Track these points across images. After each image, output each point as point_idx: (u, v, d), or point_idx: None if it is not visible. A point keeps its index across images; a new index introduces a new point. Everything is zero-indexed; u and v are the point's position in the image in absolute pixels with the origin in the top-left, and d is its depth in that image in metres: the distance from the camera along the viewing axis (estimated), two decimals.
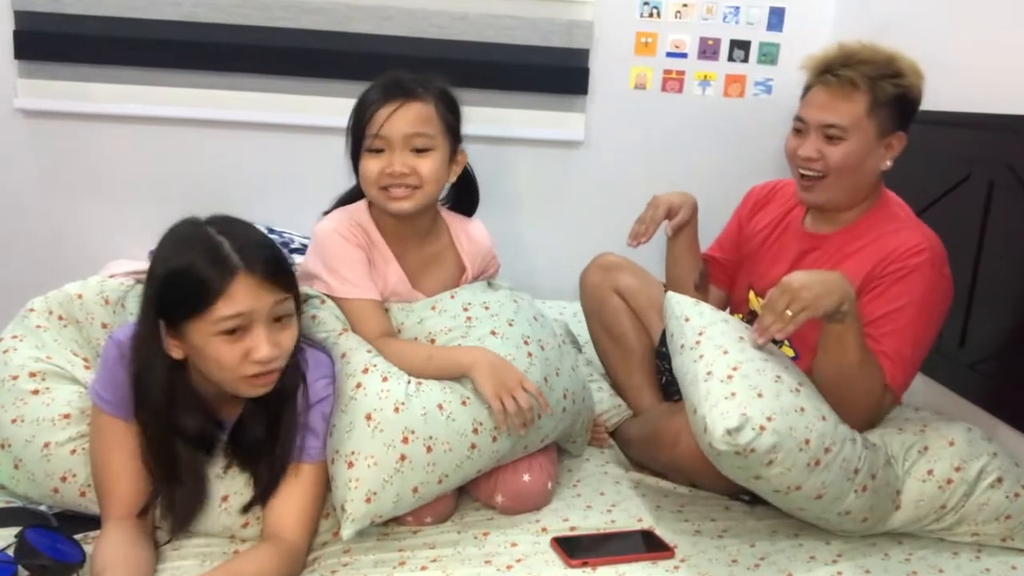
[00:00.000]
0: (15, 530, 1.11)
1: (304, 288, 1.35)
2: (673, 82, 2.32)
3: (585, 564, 1.18)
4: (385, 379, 1.24)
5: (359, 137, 1.36)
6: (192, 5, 2.12)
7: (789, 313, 1.18)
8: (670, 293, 1.39)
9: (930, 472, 1.29)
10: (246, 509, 1.18)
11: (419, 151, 1.33)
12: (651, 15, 2.27)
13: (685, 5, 2.27)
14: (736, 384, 1.19)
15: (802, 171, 1.42)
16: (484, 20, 2.21)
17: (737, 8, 2.28)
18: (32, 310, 1.41)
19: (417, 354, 1.30)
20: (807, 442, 1.17)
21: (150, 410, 1.12)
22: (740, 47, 2.31)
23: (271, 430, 1.16)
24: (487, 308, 1.37)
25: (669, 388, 1.62)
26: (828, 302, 1.18)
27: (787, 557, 1.24)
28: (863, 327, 1.28)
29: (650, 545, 1.24)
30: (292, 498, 1.16)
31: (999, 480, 1.30)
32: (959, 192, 1.68)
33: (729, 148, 2.35)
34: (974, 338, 1.63)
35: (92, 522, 1.19)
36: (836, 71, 1.36)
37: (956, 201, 1.69)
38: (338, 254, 1.35)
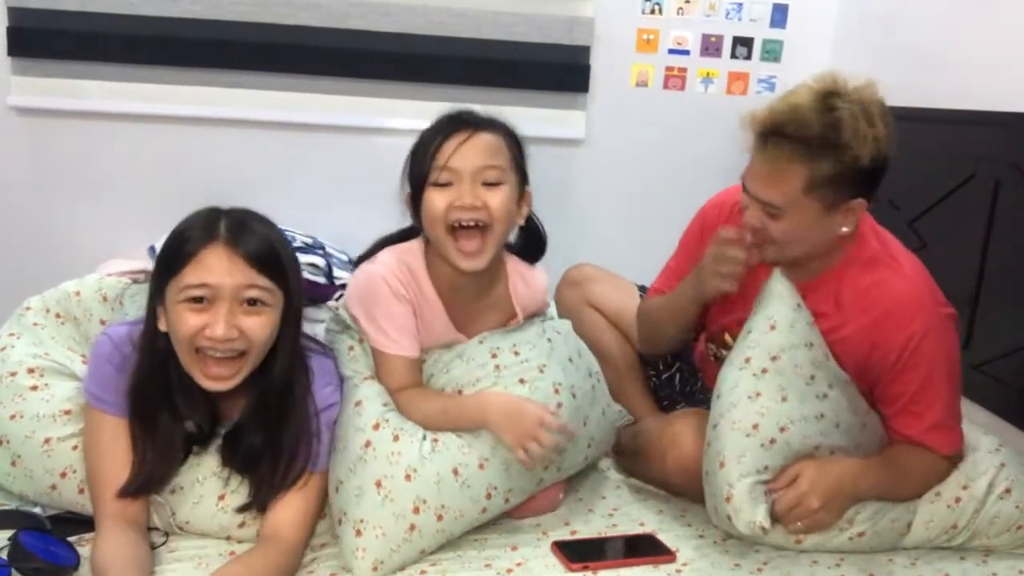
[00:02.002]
0: (8, 533, 1.10)
1: (347, 315, 1.32)
2: (675, 79, 2.30)
3: (586, 568, 1.17)
4: (396, 438, 1.19)
5: (420, 174, 1.23)
6: (189, 2, 2.10)
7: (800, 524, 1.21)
8: (778, 276, 1.28)
9: (938, 494, 1.28)
10: (242, 509, 1.17)
11: (490, 185, 1.22)
12: (653, 12, 2.26)
13: (687, 1, 2.26)
14: (774, 454, 1.20)
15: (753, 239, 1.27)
16: (484, 16, 2.19)
17: (740, 4, 2.27)
18: (28, 308, 1.41)
19: (432, 407, 1.24)
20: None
21: (142, 382, 1.12)
22: (743, 44, 2.29)
23: (272, 440, 1.14)
24: (517, 354, 1.29)
25: (659, 392, 1.62)
26: (841, 513, 1.23)
27: (790, 562, 1.23)
28: (903, 404, 1.26)
29: (652, 549, 1.23)
30: (291, 505, 1.15)
31: (1007, 491, 1.28)
32: (964, 191, 1.67)
33: (732, 146, 2.32)
34: (980, 339, 1.61)
35: (86, 525, 1.18)
36: (772, 142, 1.18)
37: (961, 200, 1.68)
38: (382, 305, 1.26)
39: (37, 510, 1.23)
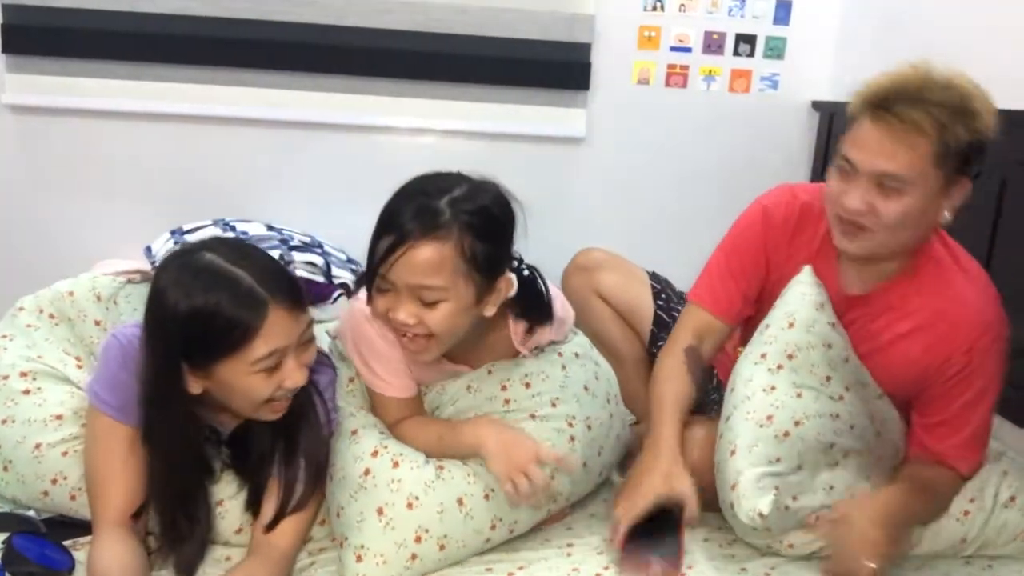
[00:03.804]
0: (2, 536, 1.10)
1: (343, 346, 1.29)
2: (677, 77, 2.29)
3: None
4: (396, 464, 1.16)
5: (369, 264, 1.14)
6: None
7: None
8: (806, 272, 1.25)
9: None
10: (246, 509, 1.15)
11: (428, 303, 1.11)
12: (655, 8, 2.24)
13: None
14: (787, 447, 1.17)
15: (846, 223, 1.19)
16: (484, 13, 2.18)
17: (743, 1, 2.25)
18: (22, 309, 1.40)
19: (429, 435, 1.21)
20: (816, 518, 1.18)
21: (168, 447, 1.08)
22: (746, 41, 2.27)
23: (280, 443, 1.13)
24: (528, 386, 1.25)
25: None
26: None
27: (797, 567, 1.21)
28: (946, 417, 1.22)
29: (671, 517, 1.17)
30: (288, 505, 1.13)
31: (1012, 499, 1.27)
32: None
33: (734, 144, 2.32)
34: None
35: (81, 528, 1.17)
36: (898, 108, 1.10)
37: (967, 199, 1.66)
38: (368, 346, 1.22)
39: (31, 513, 1.21)
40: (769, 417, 1.19)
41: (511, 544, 1.23)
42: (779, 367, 1.22)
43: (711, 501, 1.27)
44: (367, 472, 1.16)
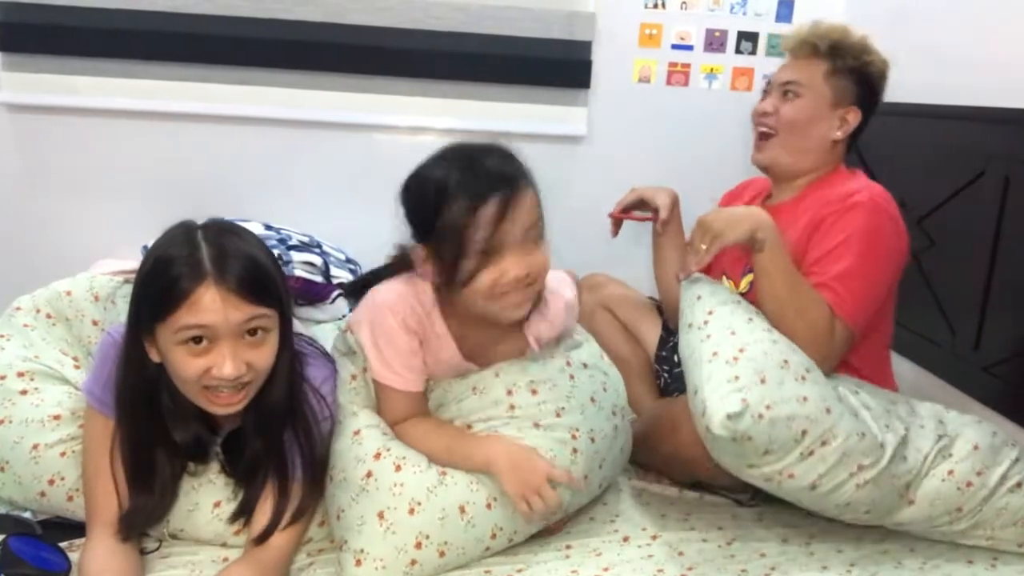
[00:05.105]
0: None
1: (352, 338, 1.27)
2: (678, 75, 2.27)
3: None
4: (399, 468, 1.15)
5: (455, 244, 1.10)
6: None
7: (703, 247, 1.30)
8: (690, 282, 1.41)
9: (951, 472, 1.25)
10: (235, 519, 1.14)
11: (536, 243, 1.14)
12: (656, 6, 2.23)
13: None
14: (740, 367, 1.20)
15: (759, 129, 1.52)
16: (484, 11, 2.17)
17: None
18: (19, 308, 1.39)
19: (437, 443, 1.20)
20: (803, 433, 1.17)
21: (128, 412, 1.08)
22: (748, 39, 2.26)
23: (273, 448, 1.11)
24: (535, 393, 1.24)
25: (668, 389, 1.64)
26: (738, 231, 1.29)
27: (799, 566, 1.21)
28: (809, 268, 1.34)
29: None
30: (283, 515, 1.11)
31: (1019, 485, 1.27)
32: (974, 188, 1.64)
33: (736, 143, 2.31)
34: (990, 340, 1.59)
35: (77, 530, 1.16)
36: (806, 41, 1.48)
37: (971, 198, 1.65)
38: (387, 336, 1.20)
39: (28, 515, 1.21)
40: (714, 353, 1.23)
41: (509, 545, 1.22)
42: (705, 322, 1.31)
43: (706, 476, 1.31)
44: (369, 475, 1.15)
